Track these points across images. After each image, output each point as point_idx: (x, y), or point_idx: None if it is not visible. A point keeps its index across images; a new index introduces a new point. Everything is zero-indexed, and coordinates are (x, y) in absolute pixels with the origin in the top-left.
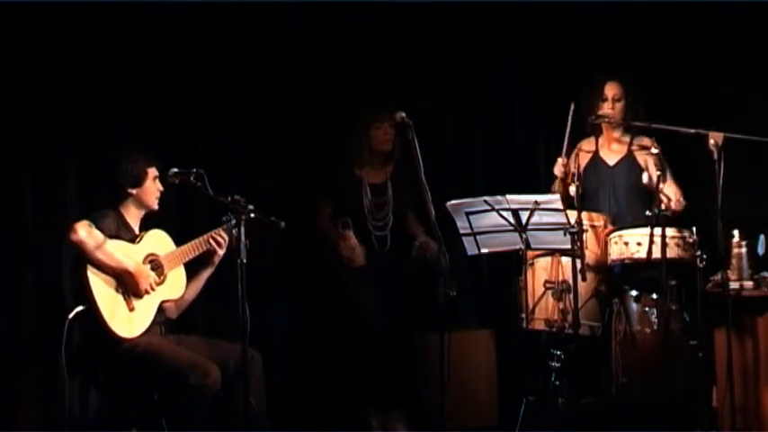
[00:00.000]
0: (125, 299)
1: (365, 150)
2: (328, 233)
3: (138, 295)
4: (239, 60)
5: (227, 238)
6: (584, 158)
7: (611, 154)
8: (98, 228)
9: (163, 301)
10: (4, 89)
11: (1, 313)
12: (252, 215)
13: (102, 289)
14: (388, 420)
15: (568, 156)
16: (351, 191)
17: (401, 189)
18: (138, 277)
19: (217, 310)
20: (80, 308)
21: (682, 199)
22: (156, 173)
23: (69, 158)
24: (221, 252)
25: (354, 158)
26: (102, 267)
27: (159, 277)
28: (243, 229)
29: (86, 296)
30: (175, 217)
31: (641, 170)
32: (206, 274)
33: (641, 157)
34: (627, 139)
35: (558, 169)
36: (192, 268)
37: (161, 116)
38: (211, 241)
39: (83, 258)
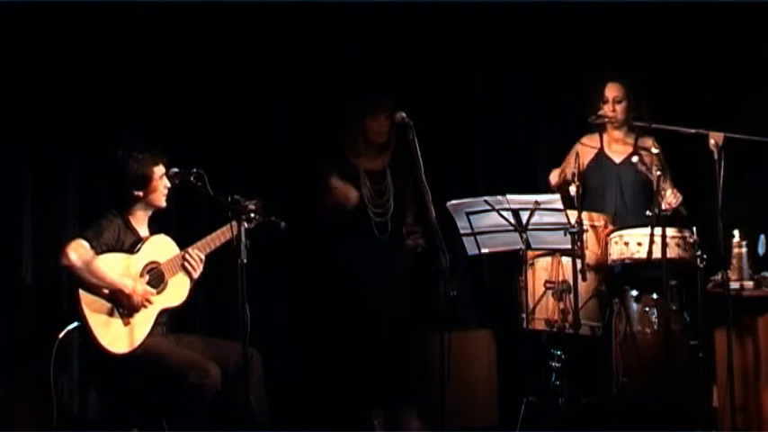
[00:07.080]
0: (121, 315)
1: (360, 142)
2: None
3: (135, 310)
4: (239, 60)
5: (202, 259)
6: (588, 154)
7: (617, 152)
8: (97, 242)
9: (163, 309)
10: (5, 89)
11: (0, 314)
12: (252, 215)
13: (94, 310)
14: (399, 419)
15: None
16: (348, 180)
17: (401, 175)
18: (133, 295)
19: (217, 310)
20: (71, 326)
21: (678, 193)
22: (163, 170)
23: (69, 159)
24: (195, 275)
25: (350, 149)
26: (95, 289)
27: (159, 286)
28: (243, 229)
29: (79, 318)
30: (176, 218)
31: (648, 168)
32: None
33: (647, 157)
34: (631, 140)
35: (553, 179)
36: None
37: (161, 116)
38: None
39: (75, 281)
